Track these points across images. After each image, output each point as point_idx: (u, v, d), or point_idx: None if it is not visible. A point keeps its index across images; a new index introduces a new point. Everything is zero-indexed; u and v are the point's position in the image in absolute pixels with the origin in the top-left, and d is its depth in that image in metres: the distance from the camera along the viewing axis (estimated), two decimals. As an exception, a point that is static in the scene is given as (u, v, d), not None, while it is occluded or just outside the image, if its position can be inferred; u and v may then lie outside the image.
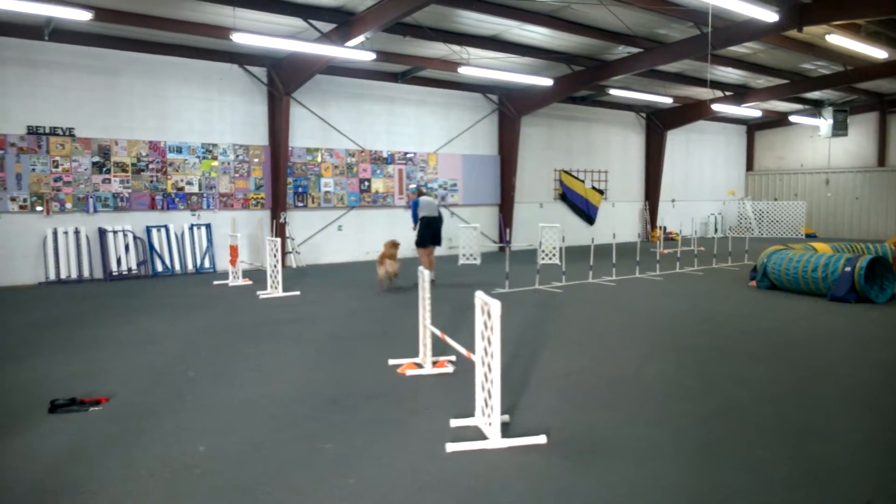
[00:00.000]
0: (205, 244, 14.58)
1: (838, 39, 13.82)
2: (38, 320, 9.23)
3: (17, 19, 11.91)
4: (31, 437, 4.77)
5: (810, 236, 24.66)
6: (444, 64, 15.73)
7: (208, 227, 14.67)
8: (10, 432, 4.86)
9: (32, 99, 12.69)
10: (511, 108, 19.23)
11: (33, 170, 12.73)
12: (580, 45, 15.56)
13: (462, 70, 14.87)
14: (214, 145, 14.77)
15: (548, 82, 16.52)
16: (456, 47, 14.54)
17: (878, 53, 14.99)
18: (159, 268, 13.95)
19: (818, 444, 4.63)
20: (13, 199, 12.60)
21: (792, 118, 24.36)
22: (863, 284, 10.27)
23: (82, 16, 10.23)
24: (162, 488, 3.98)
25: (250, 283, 12.69)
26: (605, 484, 4.00)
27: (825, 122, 22.63)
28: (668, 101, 20.56)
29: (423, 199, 12.39)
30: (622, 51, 16.01)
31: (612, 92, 18.88)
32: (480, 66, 15.20)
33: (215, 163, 14.80)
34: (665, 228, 24.14)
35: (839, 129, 22.55)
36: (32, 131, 12.70)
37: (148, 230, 13.94)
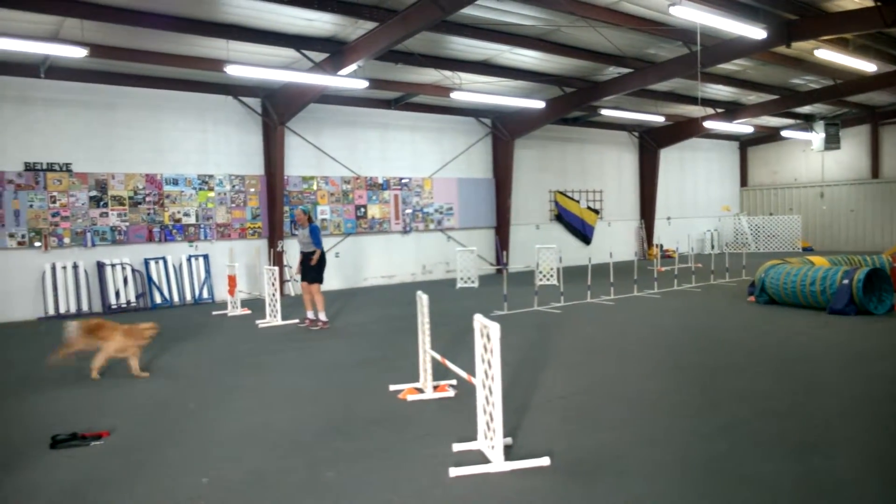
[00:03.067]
0: (203, 275, 14.58)
1: (827, 54, 14.00)
2: (37, 355, 9.17)
3: (14, 58, 12.04)
4: (33, 474, 4.73)
5: (807, 250, 24.71)
6: (437, 89, 15.89)
7: (206, 257, 14.68)
8: (11, 468, 4.82)
9: (29, 135, 12.78)
10: (504, 130, 19.38)
11: (31, 206, 12.78)
12: (571, 67, 15.74)
13: (454, 95, 15.01)
14: (210, 176, 14.85)
15: (540, 104, 16.67)
16: (448, 73, 14.71)
17: (868, 67, 15.16)
18: (158, 300, 13.93)
19: (821, 458, 4.61)
20: (11, 236, 12.62)
21: (784, 133, 24.56)
22: (861, 297, 10.28)
23: (78, 53, 10.36)
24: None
25: (249, 312, 12.67)
26: (610, 504, 3.98)
27: (817, 136, 22.83)
28: (661, 119, 20.73)
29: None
30: (612, 71, 16.20)
31: (605, 112, 19.05)
32: (473, 90, 15.35)
33: (211, 193, 14.86)
34: (662, 246, 24.19)
35: (831, 142, 22.74)
36: (30, 168, 12.77)
37: (146, 262, 13.95)
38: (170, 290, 14.11)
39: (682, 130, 23.02)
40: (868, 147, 24.54)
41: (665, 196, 24.99)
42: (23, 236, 12.73)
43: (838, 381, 6.63)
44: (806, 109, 22.85)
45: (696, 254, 23.44)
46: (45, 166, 12.92)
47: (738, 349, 8.26)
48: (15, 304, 12.64)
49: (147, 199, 14.04)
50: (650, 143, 23.87)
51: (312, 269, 10.69)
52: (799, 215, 25.77)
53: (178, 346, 9.54)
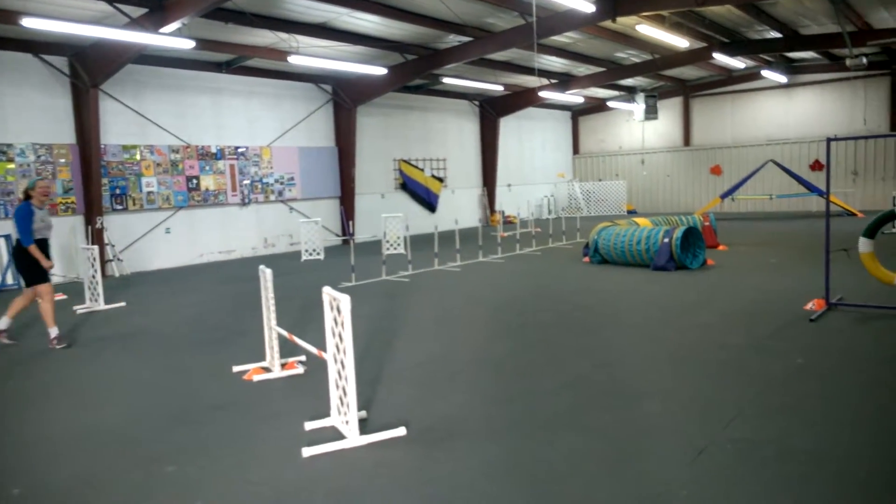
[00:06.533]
0: (5, 258, 12.83)
1: (647, 29, 15.02)
2: None
3: None
4: None
5: (631, 212, 26.79)
6: (273, 52, 15.05)
7: (7, 238, 12.92)
8: None
9: None
10: (346, 98, 18.89)
11: None
12: (412, 34, 15.59)
13: (292, 59, 14.31)
14: (9, 145, 13.01)
15: (381, 71, 16.39)
16: (284, 35, 13.95)
17: (681, 42, 16.50)
18: (-49, 288, 12.11)
19: (653, 403, 4.95)
20: None
21: (610, 104, 26.26)
22: (679, 253, 11.27)
23: None
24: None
25: (65, 297, 11.38)
26: (465, 467, 3.98)
27: (638, 107, 24.60)
28: (500, 88, 21.27)
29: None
30: (453, 39, 16.27)
31: (446, 80, 19.18)
32: (311, 54, 14.72)
33: (11, 165, 13.05)
34: (503, 212, 25.06)
35: (650, 112, 24.62)
36: None
37: (-67, 246, 12.03)
38: (-34, 277, 12.30)
39: (519, 100, 23.81)
40: (681, 117, 26.92)
41: (505, 164, 25.84)
42: None
43: (663, 332, 7.20)
44: (629, 82, 24.56)
45: (536, 219, 24.56)
46: None
47: (575, 307, 8.72)
48: None
49: (-70, 171, 12.05)
50: (490, 112, 24.46)
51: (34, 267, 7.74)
52: (624, 181, 27.82)
53: None
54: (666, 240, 11.41)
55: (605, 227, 12.75)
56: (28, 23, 10.29)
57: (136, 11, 11.67)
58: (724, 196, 21.13)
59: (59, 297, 11.40)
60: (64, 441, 4.75)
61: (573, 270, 12.10)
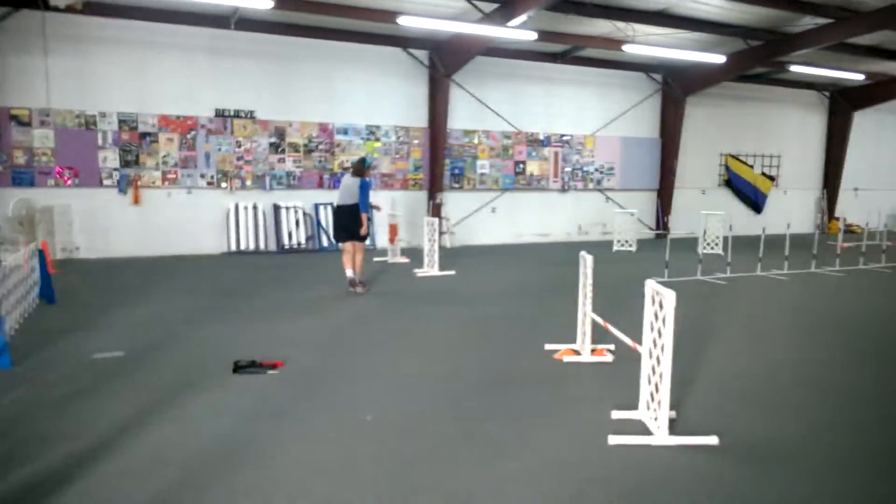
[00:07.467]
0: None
1: None
2: (223, 287, 10.16)
3: (208, 10, 12.99)
4: (218, 394, 5.23)
5: None
6: (607, 42, 15.14)
7: (319, 207, 15.13)
8: (199, 388, 5.36)
9: (219, 83, 13.90)
10: (676, 87, 18.20)
11: (220, 149, 13.99)
12: (759, 17, 14.32)
13: (627, 48, 14.25)
14: (377, 127, 15.36)
15: (719, 59, 15.40)
16: (620, 24, 13.94)
17: None
18: (325, 243, 14.80)
19: None
20: (203, 176, 13.93)
21: None
22: None
23: (266, 4, 10.99)
24: (333, 452, 4.20)
25: (408, 260, 13.12)
26: (792, 495, 3.66)
27: None
28: (859, 77, 18.43)
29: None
30: (808, 22, 14.53)
31: (793, 69, 17.24)
32: (646, 43, 14.47)
33: (378, 144, 15.40)
34: (845, 220, 21.78)
35: None
36: (219, 114, 13.94)
37: (316, 207, 14.84)
38: (335, 235, 14.92)
39: (883, 91, 20.30)
40: None
41: (854, 164, 22.37)
42: (212, 177, 14.00)
43: None
44: None
45: (888, 231, 20.87)
46: (232, 113, 14.03)
47: (941, 342, 7.27)
48: (204, 238, 14.02)
49: (319, 146, 14.84)
50: (843, 105, 21.36)
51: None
52: None
53: (344, 287, 10.06)
54: None
55: None
56: (403, 21, 11.95)
57: (489, 7, 12.74)
58: None
59: (404, 259, 13.21)
60: (402, 383, 5.55)
61: (939, 297, 10.06)
